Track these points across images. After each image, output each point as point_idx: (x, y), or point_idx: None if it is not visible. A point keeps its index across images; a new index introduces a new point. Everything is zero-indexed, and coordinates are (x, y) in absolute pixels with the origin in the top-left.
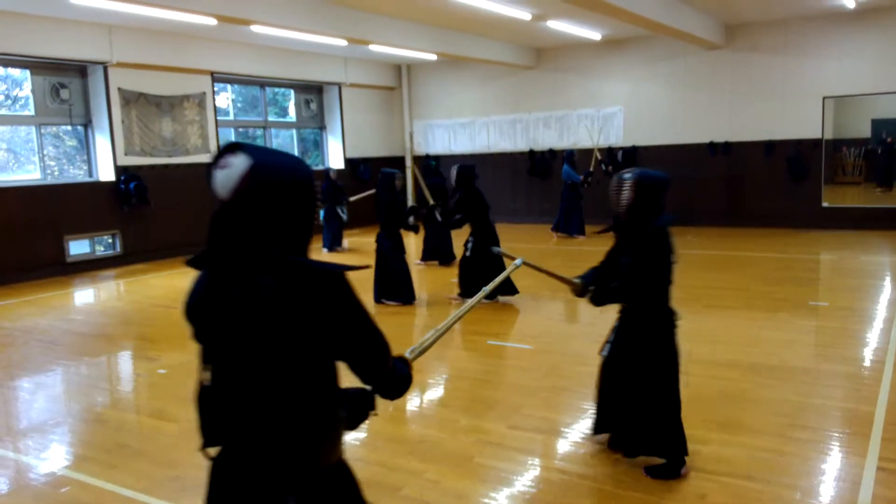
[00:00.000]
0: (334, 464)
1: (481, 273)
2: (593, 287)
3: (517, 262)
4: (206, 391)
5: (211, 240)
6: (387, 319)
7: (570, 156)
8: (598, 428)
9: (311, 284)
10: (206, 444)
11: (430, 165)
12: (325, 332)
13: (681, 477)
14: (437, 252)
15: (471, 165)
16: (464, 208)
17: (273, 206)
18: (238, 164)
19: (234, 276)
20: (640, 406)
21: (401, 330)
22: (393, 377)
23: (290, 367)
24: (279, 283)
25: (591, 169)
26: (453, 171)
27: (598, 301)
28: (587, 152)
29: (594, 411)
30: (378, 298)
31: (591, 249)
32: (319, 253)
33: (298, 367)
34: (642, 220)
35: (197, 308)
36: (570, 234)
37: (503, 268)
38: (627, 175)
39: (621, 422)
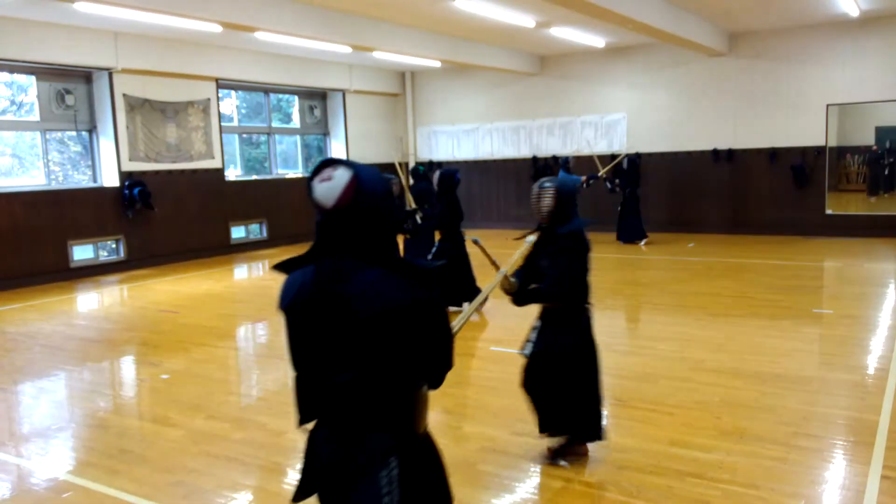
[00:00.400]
0: (423, 434)
1: (455, 277)
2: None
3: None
4: (305, 374)
5: (319, 244)
6: None
7: (565, 163)
8: (543, 427)
9: (412, 279)
10: (303, 420)
11: (419, 170)
12: (419, 320)
13: (583, 455)
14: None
15: (452, 171)
16: (440, 215)
17: (372, 211)
18: (340, 176)
19: (344, 274)
20: (565, 396)
21: None
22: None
23: (395, 349)
24: (386, 277)
25: (600, 174)
26: (435, 177)
27: (519, 301)
28: (588, 160)
29: (534, 413)
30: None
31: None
32: None
33: (401, 349)
34: (560, 224)
35: (308, 303)
36: None
37: (470, 272)
38: (548, 184)
39: (550, 408)
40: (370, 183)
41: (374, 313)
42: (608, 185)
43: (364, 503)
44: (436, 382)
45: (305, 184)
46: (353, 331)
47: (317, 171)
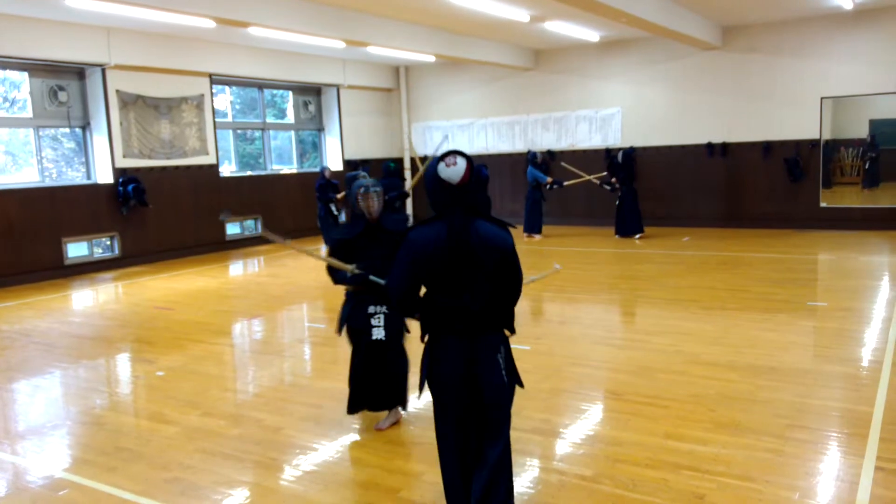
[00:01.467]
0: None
1: None
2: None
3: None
4: (436, 299)
5: (449, 207)
6: None
7: (533, 157)
8: (354, 407)
9: (507, 230)
10: (426, 332)
11: (389, 167)
12: (513, 257)
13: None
14: None
15: (478, 167)
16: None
17: (478, 186)
18: (462, 162)
19: (469, 226)
20: (388, 370)
21: None
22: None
23: (506, 275)
24: (501, 228)
25: (565, 184)
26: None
27: (347, 280)
28: (582, 154)
29: (351, 393)
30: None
31: (551, 249)
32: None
33: (505, 278)
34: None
35: (445, 248)
36: (530, 234)
37: None
38: (375, 189)
39: (374, 387)
40: (476, 168)
41: (492, 254)
42: (606, 187)
43: (491, 374)
44: (514, 303)
45: (430, 166)
46: (476, 266)
47: (443, 158)
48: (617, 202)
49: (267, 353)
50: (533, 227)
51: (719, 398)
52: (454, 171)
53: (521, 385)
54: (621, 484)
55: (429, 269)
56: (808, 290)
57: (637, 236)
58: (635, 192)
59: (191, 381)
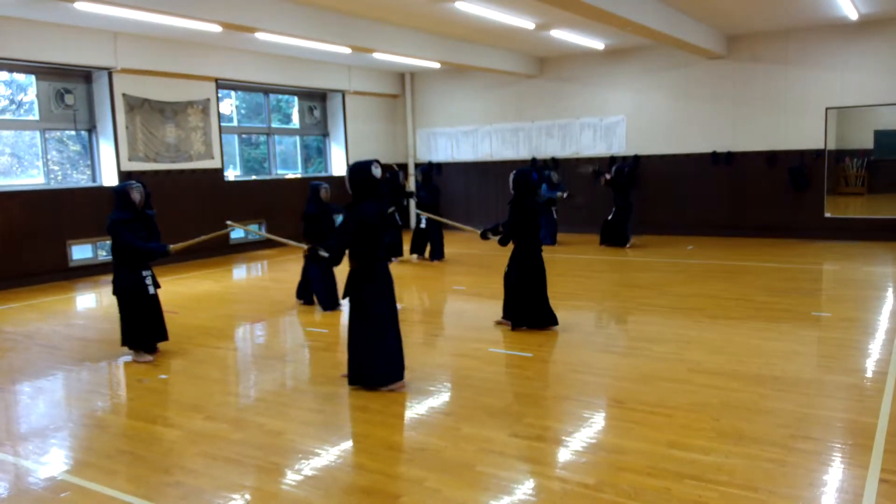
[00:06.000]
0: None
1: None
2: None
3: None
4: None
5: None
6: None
7: (548, 177)
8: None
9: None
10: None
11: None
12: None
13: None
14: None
15: (526, 170)
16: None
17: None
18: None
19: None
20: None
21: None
22: None
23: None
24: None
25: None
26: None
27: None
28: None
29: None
30: (299, 296)
31: (558, 256)
32: None
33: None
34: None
35: (379, 213)
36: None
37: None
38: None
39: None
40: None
41: (390, 219)
42: (604, 179)
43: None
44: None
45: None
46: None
47: (371, 163)
48: (610, 216)
49: (269, 357)
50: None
51: (722, 407)
52: (378, 172)
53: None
54: (623, 492)
55: (370, 228)
56: (812, 299)
57: (627, 246)
58: (630, 207)
59: (193, 384)
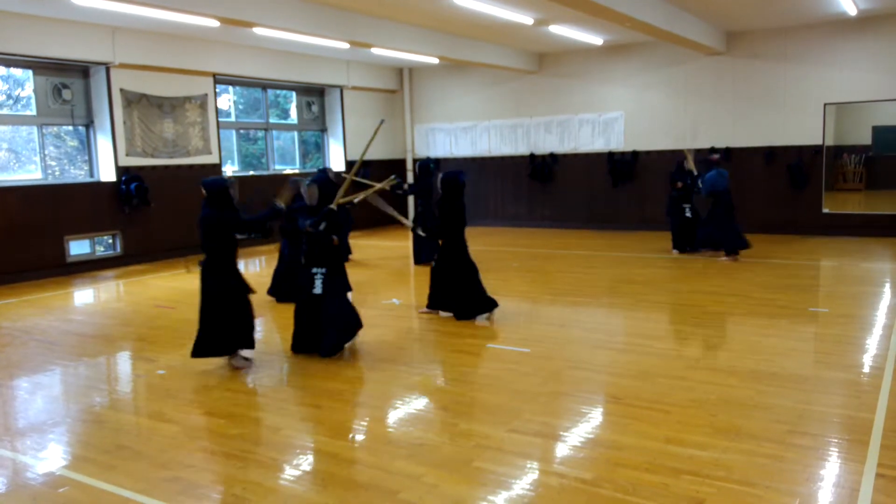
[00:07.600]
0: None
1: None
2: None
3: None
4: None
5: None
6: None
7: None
8: (298, 348)
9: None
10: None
11: (428, 167)
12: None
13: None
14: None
15: (455, 172)
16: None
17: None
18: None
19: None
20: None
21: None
22: None
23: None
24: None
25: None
26: (437, 180)
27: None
28: (584, 156)
29: (295, 336)
30: (270, 292)
31: (553, 252)
32: None
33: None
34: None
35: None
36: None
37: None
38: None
39: (320, 332)
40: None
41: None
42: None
43: None
44: None
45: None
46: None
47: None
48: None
49: (267, 352)
50: (729, 244)
51: (720, 403)
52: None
53: None
54: (621, 488)
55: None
56: (810, 295)
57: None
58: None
59: (191, 379)
